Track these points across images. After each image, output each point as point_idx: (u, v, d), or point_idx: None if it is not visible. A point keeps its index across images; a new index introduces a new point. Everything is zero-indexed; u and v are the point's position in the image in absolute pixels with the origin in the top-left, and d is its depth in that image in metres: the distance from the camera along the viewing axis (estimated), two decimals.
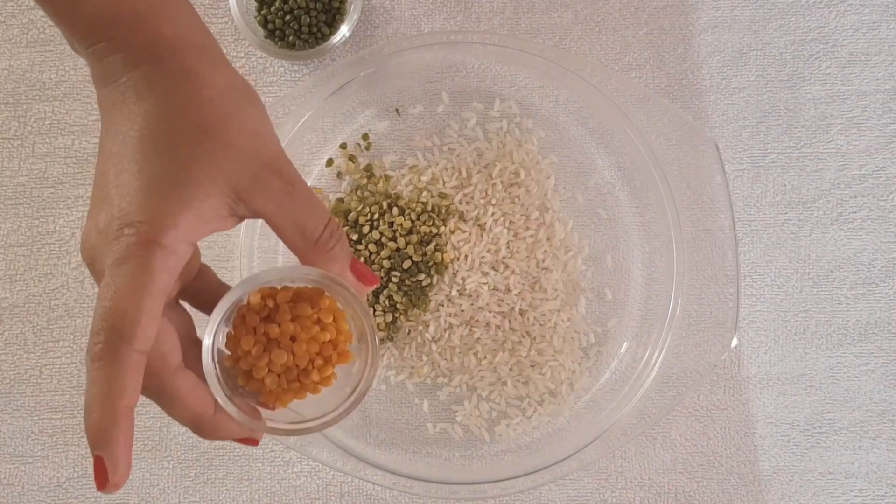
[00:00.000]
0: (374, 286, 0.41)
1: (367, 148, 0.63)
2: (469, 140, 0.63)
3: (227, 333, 0.38)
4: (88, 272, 0.62)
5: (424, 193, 0.62)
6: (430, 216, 0.61)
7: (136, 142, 0.35)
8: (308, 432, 0.39)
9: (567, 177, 0.63)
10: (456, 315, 0.61)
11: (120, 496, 0.62)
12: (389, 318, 0.61)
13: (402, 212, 0.61)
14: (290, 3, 0.60)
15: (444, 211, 0.61)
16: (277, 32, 0.60)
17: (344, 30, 0.60)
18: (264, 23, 0.60)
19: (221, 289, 0.40)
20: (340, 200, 0.63)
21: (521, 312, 0.61)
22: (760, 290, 0.63)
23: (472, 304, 0.61)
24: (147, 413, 0.62)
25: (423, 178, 0.62)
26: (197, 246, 0.38)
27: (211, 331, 0.37)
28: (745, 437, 0.62)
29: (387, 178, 0.62)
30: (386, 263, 0.60)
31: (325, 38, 0.60)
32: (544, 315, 0.61)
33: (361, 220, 0.61)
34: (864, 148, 0.64)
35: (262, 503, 0.62)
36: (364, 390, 0.39)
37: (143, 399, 0.62)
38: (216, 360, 0.37)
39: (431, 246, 0.61)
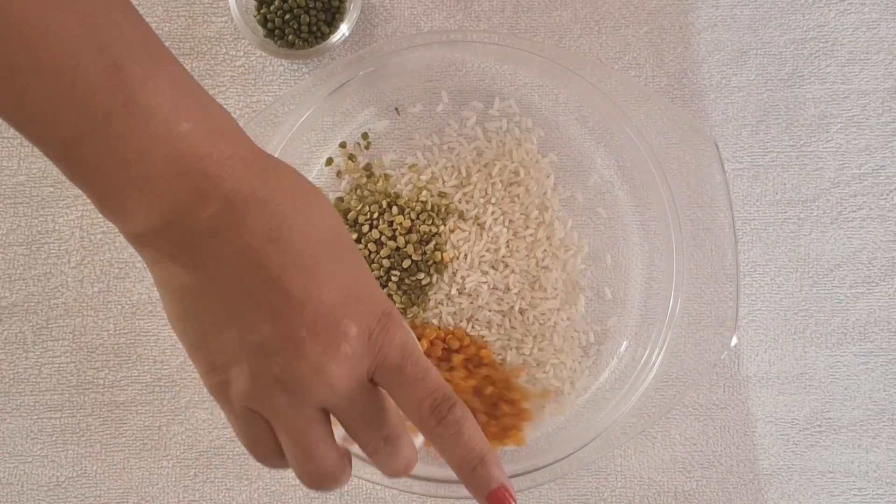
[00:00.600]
0: None
1: (367, 147, 0.63)
2: (468, 139, 0.63)
3: None
4: (86, 271, 0.62)
5: (424, 192, 0.62)
6: (429, 215, 0.61)
7: (318, 246, 0.37)
8: None
9: (567, 176, 0.63)
10: (456, 314, 0.61)
11: (119, 496, 0.62)
12: None
13: (401, 211, 0.61)
14: (289, 1, 0.60)
15: (443, 210, 0.61)
16: (277, 31, 0.60)
17: (343, 29, 0.60)
18: (263, 21, 0.60)
19: None
20: (340, 199, 0.63)
21: (521, 311, 0.61)
22: (760, 289, 0.63)
23: (471, 303, 0.61)
24: (146, 412, 0.62)
25: (423, 177, 0.62)
26: None
27: None
28: (745, 436, 0.62)
29: (386, 177, 0.62)
30: (385, 262, 0.60)
31: (325, 37, 0.60)
32: (544, 314, 0.61)
33: (361, 219, 0.61)
34: (864, 147, 0.64)
35: (261, 502, 0.62)
36: None
37: (143, 399, 0.62)
38: None
39: (431, 245, 0.61)
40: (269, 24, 0.60)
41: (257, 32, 0.60)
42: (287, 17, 0.60)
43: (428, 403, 0.37)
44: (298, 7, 0.60)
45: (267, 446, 0.38)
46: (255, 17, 0.61)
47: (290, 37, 0.60)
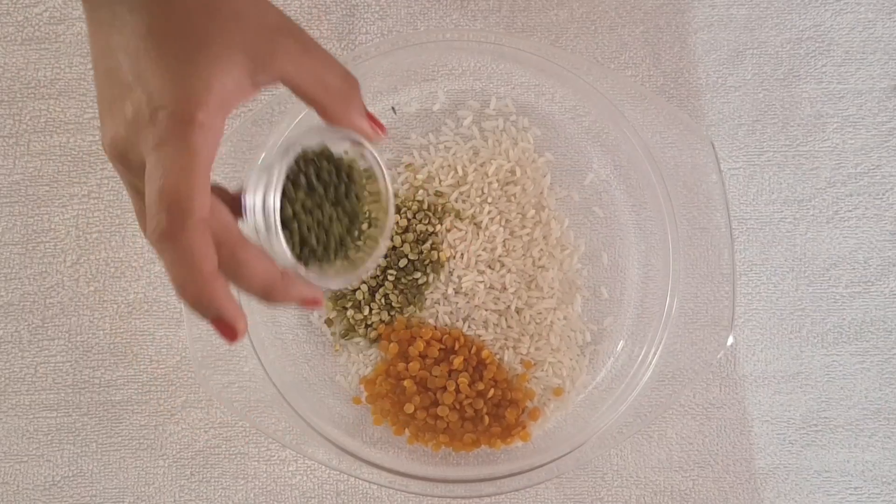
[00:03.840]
0: (384, 134, 0.42)
1: None
2: (465, 138, 0.63)
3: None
4: (82, 270, 0.62)
5: (420, 192, 0.62)
6: (426, 214, 0.61)
7: (147, 30, 0.36)
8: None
9: (563, 175, 0.63)
10: (452, 313, 0.61)
11: (115, 495, 0.62)
12: (386, 316, 0.61)
13: (398, 210, 0.61)
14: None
15: (440, 209, 0.61)
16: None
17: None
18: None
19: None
20: None
21: (518, 311, 0.61)
22: (756, 289, 0.63)
23: (468, 303, 0.61)
24: (142, 412, 0.62)
25: (420, 177, 0.62)
26: None
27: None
28: (741, 435, 0.62)
29: None
30: (382, 261, 0.60)
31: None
32: (540, 313, 0.61)
33: None
34: (860, 146, 0.64)
35: (257, 502, 0.62)
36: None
37: (140, 398, 0.62)
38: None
39: (428, 244, 0.61)
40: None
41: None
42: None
43: (147, 209, 0.35)
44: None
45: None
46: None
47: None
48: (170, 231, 0.34)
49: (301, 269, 0.38)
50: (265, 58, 0.37)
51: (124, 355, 0.62)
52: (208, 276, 0.34)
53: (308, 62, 0.38)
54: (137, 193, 0.37)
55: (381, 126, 0.42)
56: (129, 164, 0.36)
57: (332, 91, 0.39)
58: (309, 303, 0.40)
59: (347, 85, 0.40)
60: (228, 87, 0.36)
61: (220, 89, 0.36)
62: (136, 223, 0.63)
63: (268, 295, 0.38)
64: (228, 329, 0.36)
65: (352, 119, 0.40)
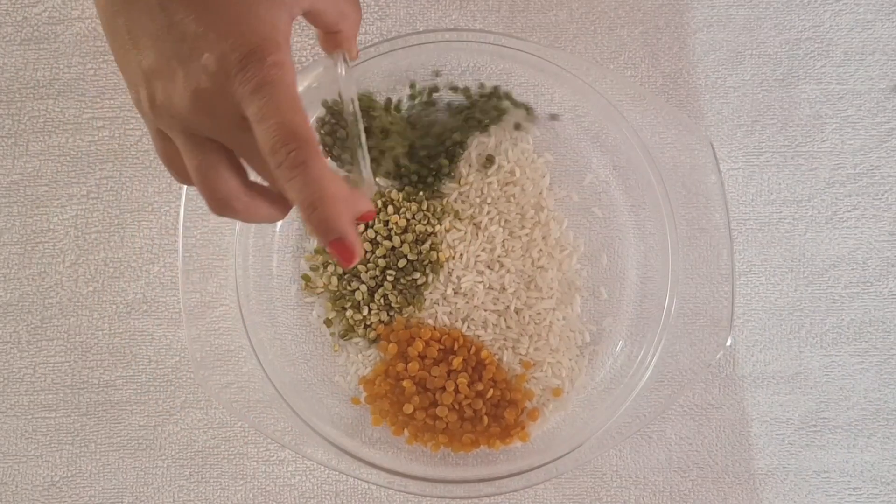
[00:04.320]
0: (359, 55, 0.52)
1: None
2: None
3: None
4: (81, 271, 0.62)
5: (420, 192, 0.62)
6: (425, 214, 0.61)
7: None
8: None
9: (562, 175, 0.63)
10: (451, 313, 0.61)
11: (114, 495, 0.62)
12: (385, 316, 0.61)
13: (397, 210, 0.61)
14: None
15: (439, 209, 0.61)
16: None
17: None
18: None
19: None
20: None
21: (517, 311, 0.61)
22: (755, 289, 0.63)
23: (467, 303, 0.61)
24: (141, 412, 0.62)
25: None
26: None
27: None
28: (740, 436, 0.62)
29: None
30: (381, 262, 0.60)
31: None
32: (539, 314, 0.61)
33: None
34: (859, 147, 0.64)
35: (256, 502, 0.62)
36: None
37: (138, 398, 0.62)
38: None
39: (427, 244, 0.61)
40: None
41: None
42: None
43: (269, 146, 0.37)
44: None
45: (177, 168, 0.41)
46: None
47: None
48: (300, 159, 0.36)
49: (372, 179, 0.44)
50: None
51: (123, 356, 0.62)
52: (332, 198, 0.37)
53: None
54: (206, 146, 0.39)
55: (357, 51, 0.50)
56: (215, 114, 0.38)
57: (348, 18, 0.45)
58: (369, 215, 0.44)
59: (358, 13, 0.45)
60: (284, 25, 0.39)
61: (282, 29, 0.39)
62: (135, 223, 0.63)
63: (343, 204, 0.40)
64: (347, 250, 0.39)
65: (352, 44, 0.46)
